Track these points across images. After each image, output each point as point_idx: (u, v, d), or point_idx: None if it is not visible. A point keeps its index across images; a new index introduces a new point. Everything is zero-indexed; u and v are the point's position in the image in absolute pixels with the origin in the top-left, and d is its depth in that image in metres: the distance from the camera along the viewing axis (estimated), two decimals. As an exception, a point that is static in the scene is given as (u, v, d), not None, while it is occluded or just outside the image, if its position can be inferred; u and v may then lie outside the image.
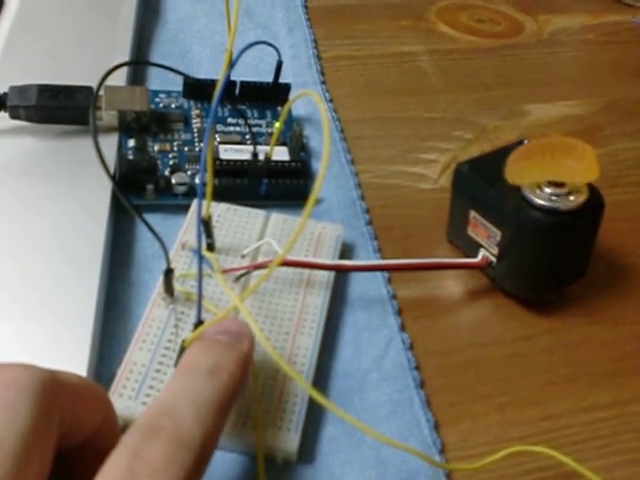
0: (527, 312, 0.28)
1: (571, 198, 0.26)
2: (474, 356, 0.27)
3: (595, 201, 0.27)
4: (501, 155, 0.27)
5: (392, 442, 0.22)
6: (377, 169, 0.35)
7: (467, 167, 0.28)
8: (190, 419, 0.18)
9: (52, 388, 0.17)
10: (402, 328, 0.27)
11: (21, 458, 0.15)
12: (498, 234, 0.27)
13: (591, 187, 0.27)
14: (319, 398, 0.20)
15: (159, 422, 0.18)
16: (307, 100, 0.36)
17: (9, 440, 0.16)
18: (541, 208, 0.26)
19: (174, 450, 0.17)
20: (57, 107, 0.31)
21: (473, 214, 0.28)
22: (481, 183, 0.28)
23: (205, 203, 0.26)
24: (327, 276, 0.27)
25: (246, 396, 0.23)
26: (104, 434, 0.19)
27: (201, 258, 0.22)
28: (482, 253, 0.28)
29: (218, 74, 0.33)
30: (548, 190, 0.26)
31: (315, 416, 0.24)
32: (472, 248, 0.29)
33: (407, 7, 0.48)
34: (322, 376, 0.25)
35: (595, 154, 0.26)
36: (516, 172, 0.26)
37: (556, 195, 0.26)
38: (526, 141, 0.29)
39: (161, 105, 0.34)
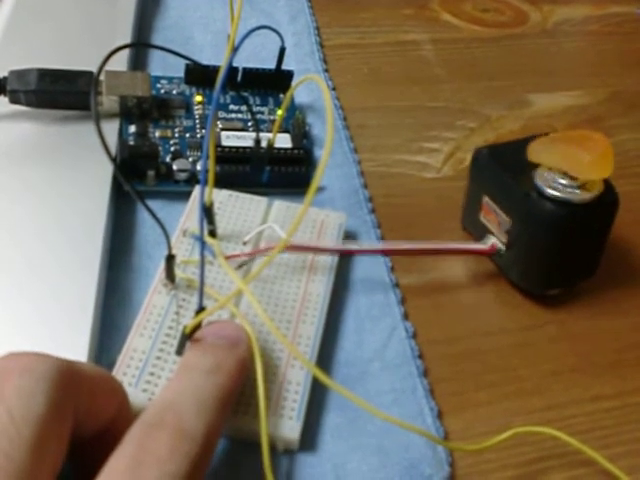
0: (532, 302, 0.28)
1: (584, 191, 0.26)
2: (478, 345, 0.26)
3: (609, 197, 0.26)
4: (522, 144, 0.27)
5: (398, 421, 0.21)
6: (380, 158, 0.34)
7: (486, 152, 0.28)
8: (192, 412, 0.18)
9: (68, 377, 0.17)
10: (405, 317, 0.27)
11: (37, 445, 0.16)
12: (508, 222, 0.27)
13: (607, 182, 0.27)
14: (323, 377, 0.20)
15: (162, 416, 0.18)
16: (310, 87, 0.36)
17: (26, 427, 0.16)
18: (551, 198, 0.26)
19: (178, 441, 0.17)
20: (57, 92, 0.31)
21: (486, 199, 0.28)
22: (497, 169, 0.27)
23: (207, 190, 0.25)
24: (329, 264, 0.27)
25: (248, 384, 0.22)
26: (119, 425, 0.19)
27: (203, 244, 0.22)
28: (491, 240, 0.28)
29: (220, 61, 0.33)
30: (562, 181, 0.26)
31: (317, 404, 0.23)
32: (484, 234, 0.28)
33: (410, -4, 0.47)
34: (324, 365, 0.25)
35: (611, 153, 0.26)
36: (536, 150, 0.26)
37: (569, 187, 0.26)
38: (551, 134, 0.28)
39: (162, 91, 0.34)
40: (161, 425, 0.18)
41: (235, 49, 0.23)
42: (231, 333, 0.22)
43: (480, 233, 0.29)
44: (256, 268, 0.26)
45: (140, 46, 0.38)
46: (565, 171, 0.26)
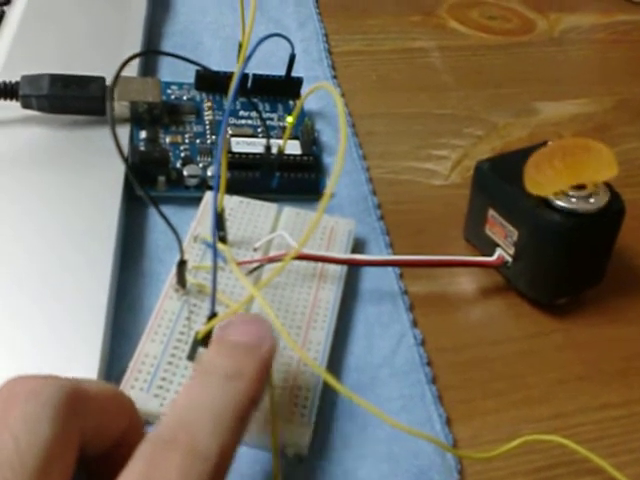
0: (539, 311, 0.28)
1: (591, 201, 0.26)
2: (486, 353, 0.27)
3: (616, 205, 0.27)
4: (523, 155, 0.27)
5: (407, 428, 0.21)
6: (388, 165, 0.34)
7: (488, 165, 0.28)
8: (207, 431, 0.17)
9: (74, 398, 0.17)
10: (414, 324, 0.27)
11: (41, 473, 0.15)
12: (515, 234, 0.27)
13: (612, 191, 0.27)
14: (333, 383, 0.20)
15: (175, 434, 0.17)
16: (318, 94, 0.36)
17: (30, 455, 0.15)
18: (559, 210, 0.26)
19: (189, 462, 0.17)
20: (69, 97, 0.31)
21: (491, 212, 0.28)
22: (501, 182, 0.27)
23: (218, 196, 0.26)
24: (339, 271, 0.27)
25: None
26: (130, 439, 0.18)
27: (216, 250, 0.22)
28: (498, 252, 0.28)
29: (229, 66, 0.33)
30: (569, 191, 0.26)
31: (327, 411, 0.24)
32: (489, 247, 0.28)
33: (417, 3, 0.48)
34: (334, 371, 0.25)
35: (611, 151, 0.26)
36: (536, 183, 0.26)
37: (576, 197, 0.26)
38: (550, 142, 0.28)
39: (173, 97, 0.34)
40: (174, 444, 0.17)
41: (247, 58, 0.23)
42: (257, 330, 0.20)
43: (485, 246, 0.29)
44: (267, 275, 0.26)
45: (153, 54, 0.38)
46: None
